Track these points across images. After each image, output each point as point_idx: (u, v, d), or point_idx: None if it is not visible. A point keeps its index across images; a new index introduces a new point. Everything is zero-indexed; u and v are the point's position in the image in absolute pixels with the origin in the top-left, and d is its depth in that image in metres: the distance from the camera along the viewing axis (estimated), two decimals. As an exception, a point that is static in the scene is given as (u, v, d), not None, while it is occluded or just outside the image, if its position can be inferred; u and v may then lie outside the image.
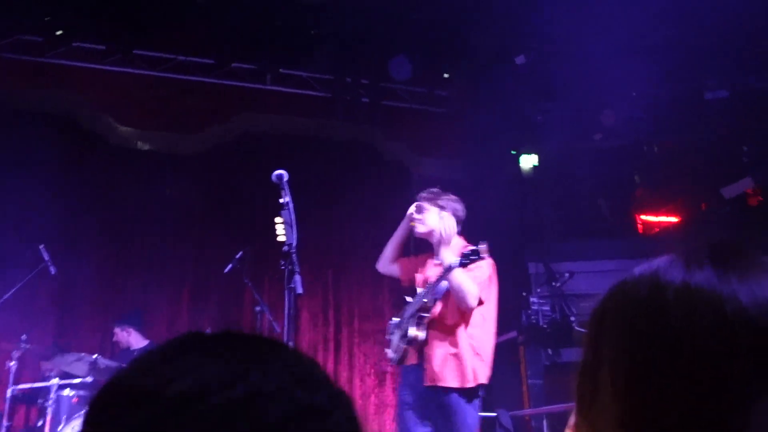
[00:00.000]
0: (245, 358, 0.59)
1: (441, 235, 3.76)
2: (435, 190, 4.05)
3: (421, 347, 3.78)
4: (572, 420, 0.94)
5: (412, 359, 3.83)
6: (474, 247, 3.59)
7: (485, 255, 3.59)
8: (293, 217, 2.89)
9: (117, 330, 5.86)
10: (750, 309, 0.67)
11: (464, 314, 3.75)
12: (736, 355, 0.66)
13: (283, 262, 2.77)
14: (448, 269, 3.61)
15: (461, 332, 3.75)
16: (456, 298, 3.69)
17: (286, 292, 2.73)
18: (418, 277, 4.04)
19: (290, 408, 0.56)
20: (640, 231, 7.31)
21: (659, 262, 0.76)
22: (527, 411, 5.95)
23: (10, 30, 6.46)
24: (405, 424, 3.79)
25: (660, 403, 0.68)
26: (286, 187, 2.99)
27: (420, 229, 3.97)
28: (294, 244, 2.81)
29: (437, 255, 3.82)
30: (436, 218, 3.92)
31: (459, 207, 4.01)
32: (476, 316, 3.80)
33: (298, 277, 2.73)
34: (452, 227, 3.81)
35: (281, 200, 2.94)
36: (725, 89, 6.17)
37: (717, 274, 0.71)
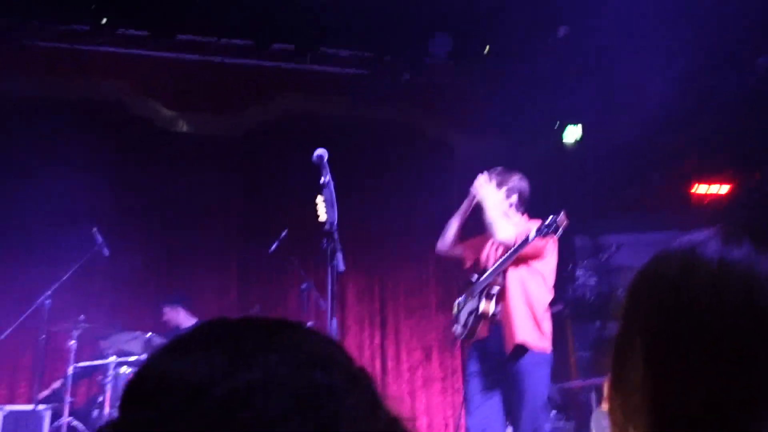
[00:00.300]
0: (255, 345, 0.57)
1: (492, 211, 3.93)
2: (499, 168, 4.16)
3: (492, 321, 3.89)
4: (607, 391, 0.95)
5: (482, 332, 3.94)
6: (553, 217, 3.65)
7: (563, 224, 3.64)
8: (334, 196, 2.93)
9: (166, 309, 6.03)
10: None
11: (529, 287, 3.89)
12: (766, 334, 0.64)
13: (324, 241, 2.82)
14: (525, 242, 3.71)
15: (527, 303, 3.87)
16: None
17: (328, 270, 2.79)
18: (483, 257, 4.14)
19: (301, 391, 0.54)
20: (693, 202, 7.15)
21: (697, 236, 0.74)
22: (575, 383, 5.94)
23: (56, 20, 6.63)
24: (473, 394, 3.88)
25: (688, 379, 0.67)
26: (326, 166, 3.03)
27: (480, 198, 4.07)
28: (335, 222, 2.85)
29: (491, 233, 3.96)
30: (494, 194, 4.04)
31: (524, 185, 4.13)
32: (541, 289, 3.94)
33: (339, 255, 2.78)
34: (502, 203, 3.97)
35: (321, 180, 2.99)
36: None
37: (754, 252, 0.68)
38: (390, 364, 6.97)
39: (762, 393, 0.64)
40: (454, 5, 6.77)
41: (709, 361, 0.66)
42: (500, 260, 3.88)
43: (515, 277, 3.91)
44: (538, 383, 3.77)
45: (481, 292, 3.93)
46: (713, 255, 0.69)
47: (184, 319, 5.99)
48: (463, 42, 7.13)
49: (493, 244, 4.08)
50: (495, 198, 4.04)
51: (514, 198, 4.09)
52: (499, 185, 4.08)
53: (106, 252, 5.56)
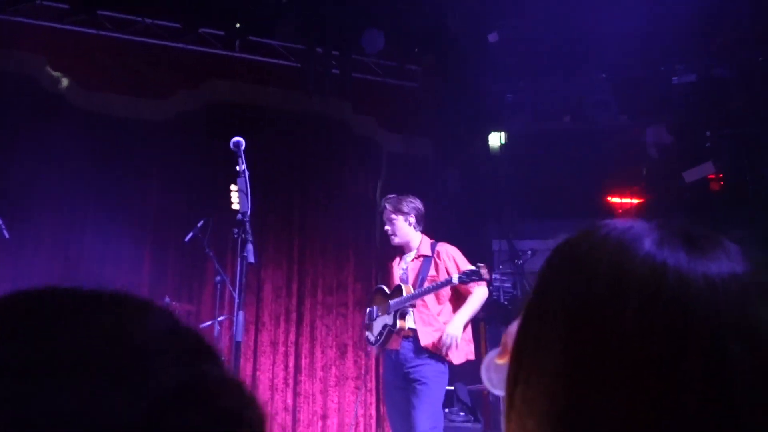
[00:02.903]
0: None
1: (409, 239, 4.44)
2: (392, 197, 4.52)
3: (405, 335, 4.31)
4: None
5: (394, 344, 4.32)
6: (474, 268, 4.12)
7: (486, 277, 4.13)
8: (248, 185, 2.85)
9: None
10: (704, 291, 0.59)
11: (444, 304, 4.36)
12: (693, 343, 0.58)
13: (236, 231, 2.74)
14: (447, 282, 4.19)
15: (440, 319, 4.32)
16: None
17: (238, 260, 2.70)
18: (394, 273, 4.57)
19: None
20: (605, 211, 7.38)
21: (631, 228, 0.66)
22: (485, 385, 6.02)
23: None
24: (392, 401, 4.33)
25: (607, 391, 0.59)
26: (243, 155, 2.94)
27: (396, 241, 4.48)
28: (248, 212, 2.77)
29: (407, 252, 4.51)
30: (404, 225, 4.43)
31: (419, 206, 4.50)
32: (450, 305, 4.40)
33: (250, 246, 2.70)
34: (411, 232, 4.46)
35: (237, 168, 2.90)
36: (693, 74, 6.21)
37: (688, 259, 0.62)
38: (304, 361, 6.88)
39: (684, 411, 0.57)
40: (387, 3, 6.77)
41: (631, 374, 0.59)
42: (417, 293, 4.28)
43: (431, 302, 4.33)
44: (437, 386, 4.18)
45: (396, 312, 4.31)
46: (651, 253, 0.62)
47: None
48: (395, 40, 7.14)
49: (404, 263, 4.52)
50: (403, 228, 4.45)
51: (412, 219, 4.45)
52: (401, 214, 4.43)
53: (5, 234, 5.25)
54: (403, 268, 4.52)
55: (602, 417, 0.59)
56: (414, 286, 4.36)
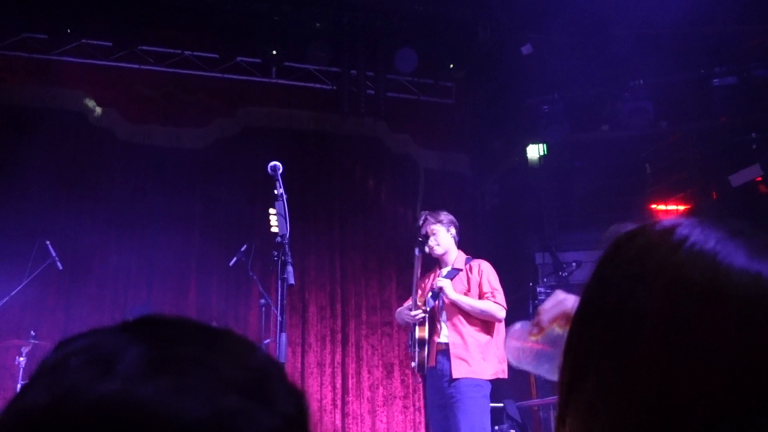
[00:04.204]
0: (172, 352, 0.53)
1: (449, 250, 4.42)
2: (427, 212, 4.50)
3: (437, 348, 4.27)
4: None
5: (431, 361, 4.27)
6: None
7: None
8: (286, 208, 2.89)
9: None
10: None
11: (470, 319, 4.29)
12: None
13: (275, 253, 2.78)
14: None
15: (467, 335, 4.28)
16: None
17: (278, 282, 2.74)
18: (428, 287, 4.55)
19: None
20: (657, 219, 7.23)
21: (688, 229, 0.65)
22: (534, 401, 5.93)
23: (17, 28, 6.51)
24: (435, 420, 4.26)
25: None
26: (280, 178, 2.99)
27: (439, 251, 4.41)
28: (287, 235, 2.81)
29: (443, 266, 4.45)
30: (447, 236, 4.41)
31: (455, 220, 4.49)
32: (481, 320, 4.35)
33: (290, 268, 2.74)
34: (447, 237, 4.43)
35: (275, 191, 2.95)
36: (733, 76, 6.08)
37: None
38: (351, 381, 6.89)
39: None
40: (419, 21, 6.83)
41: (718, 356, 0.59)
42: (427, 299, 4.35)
43: (456, 309, 4.26)
44: (474, 406, 4.08)
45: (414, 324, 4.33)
46: (741, 265, 0.62)
47: None
48: (428, 58, 7.18)
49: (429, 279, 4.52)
50: (445, 239, 4.41)
51: (453, 230, 4.45)
52: (443, 225, 4.41)
53: (59, 266, 5.43)
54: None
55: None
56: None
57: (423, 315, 4.29)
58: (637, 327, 0.62)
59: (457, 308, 4.25)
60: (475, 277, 4.31)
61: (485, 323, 4.27)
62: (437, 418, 4.23)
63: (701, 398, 0.59)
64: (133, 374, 0.50)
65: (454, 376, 4.11)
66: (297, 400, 0.56)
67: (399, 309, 4.54)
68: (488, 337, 4.27)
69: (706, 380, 0.59)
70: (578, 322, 0.68)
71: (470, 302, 4.21)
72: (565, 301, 1.32)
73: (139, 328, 0.56)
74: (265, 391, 0.53)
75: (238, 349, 0.56)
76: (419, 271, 4.34)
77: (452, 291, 4.23)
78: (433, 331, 4.32)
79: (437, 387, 4.22)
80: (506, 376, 4.25)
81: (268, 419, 0.51)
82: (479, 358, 4.17)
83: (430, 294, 4.39)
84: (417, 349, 4.34)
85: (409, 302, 4.43)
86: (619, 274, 0.66)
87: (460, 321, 4.23)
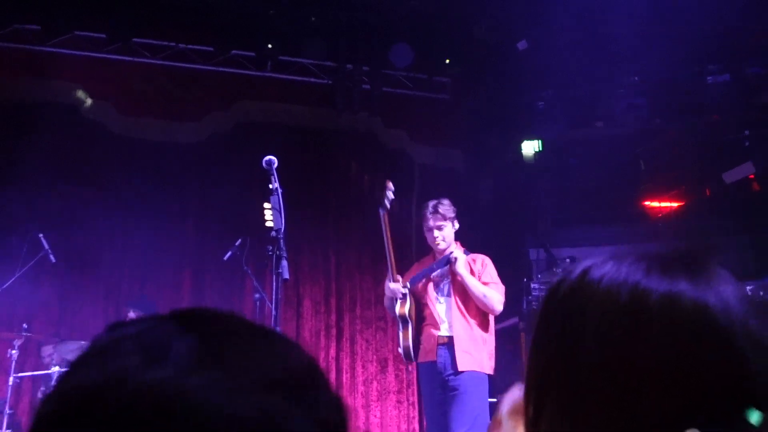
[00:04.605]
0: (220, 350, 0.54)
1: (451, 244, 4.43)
2: (438, 204, 4.45)
3: (434, 341, 4.24)
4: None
5: (430, 355, 4.23)
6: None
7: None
8: (281, 202, 2.89)
9: (131, 314, 5.83)
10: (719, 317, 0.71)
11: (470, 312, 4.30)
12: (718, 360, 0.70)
13: (270, 248, 2.78)
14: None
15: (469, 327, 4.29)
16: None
17: (273, 277, 2.74)
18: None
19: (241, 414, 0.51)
20: (645, 216, 7.27)
21: (618, 264, 0.78)
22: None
23: (8, 19, 6.46)
24: (432, 417, 4.25)
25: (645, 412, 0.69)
26: (275, 173, 2.99)
27: (443, 246, 4.41)
28: (282, 229, 2.81)
29: (440, 257, 4.40)
30: (452, 232, 4.43)
31: (455, 209, 4.50)
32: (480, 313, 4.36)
33: (285, 263, 2.74)
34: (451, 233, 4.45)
35: (270, 186, 2.95)
36: (727, 74, 6.10)
37: (694, 282, 0.73)
38: (345, 376, 6.89)
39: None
40: (415, 16, 6.81)
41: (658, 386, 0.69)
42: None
43: (458, 303, 4.26)
44: (477, 399, 4.09)
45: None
46: (660, 287, 0.73)
47: None
48: (423, 53, 7.17)
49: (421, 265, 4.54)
50: (450, 233, 4.42)
51: (456, 224, 4.47)
52: (449, 220, 4.41)
53: (52, 258, 5.41)
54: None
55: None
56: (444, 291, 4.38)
57: (405, 290, 4.29)
58: (579, 348, 0.74)
59: (459, 302, 4.24)
60: (477, 268, 4.33)
61: (483, 319, 4.28)
62: (435, 415, 4.20)
63: (644, 404, 0.69)
64: (183, 364, 0.50)
65: (460, 369, 4.09)
66: (337, 408, 0.57)
67: (386, 281, 4.53)
68: (487, 333, 4.29)
69: (645, 388, 0.69)
70: (533, 353, 0.80)
71: (476, 283, 4.20)
72: (519, 395, 1.36)
73: (189, 320, 0.57)
74: (307, 396, 0.54)
75: (284, 349, 0.57)
76: (388, 232, 4.32)
77: (463, 265, 4.21)
78: (432, 323, 4.29)
79: (437, 382, 4.18)
80: (492, 373, 4.28)
81: (308, 425, 0.52)
82: (483, 352, 4.19)
83: (436, 264, 4.37)
84: (400, 327, 4.33)
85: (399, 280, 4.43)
86: (558, 311, 0.79)
87: (463, 315, 4.22)
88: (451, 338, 4.19)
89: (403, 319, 4.28)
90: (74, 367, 0.54)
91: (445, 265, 4.30)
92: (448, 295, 4.31)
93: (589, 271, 0.78)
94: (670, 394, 0.69)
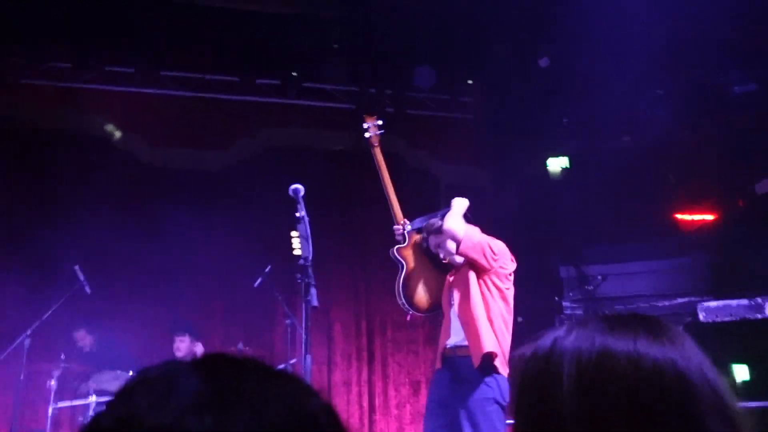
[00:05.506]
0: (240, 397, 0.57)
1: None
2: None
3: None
4: None
5: (437, 363, 4.09)
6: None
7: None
8: (309, 230, 2.91)
9: (180, 339, 5.87)
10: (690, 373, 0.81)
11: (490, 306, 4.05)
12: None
13: (299, 276, 2.80)
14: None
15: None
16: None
17: (302, 304, 2.76)
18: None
19: None
20: (677, 231, 7.15)
21: (581, 330, 0.87)
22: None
23: (40, 57, 6.66)
24: (426, 422, 3.99)
25: None
26: (302, 201, 3.02)
27: (458, 260, 4.29)
28: (309, 257, 2.83)
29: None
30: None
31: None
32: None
33: (313, 290, 2.76)
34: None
35: (297, 214, 2.97)
36: (753, 82, 6.02)
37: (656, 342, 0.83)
38: (378, 400, 6.87)
39: None
40: (436, 38, 6.85)
41: None
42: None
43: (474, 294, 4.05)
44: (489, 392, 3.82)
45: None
46: (646, 353, 0.82)
47: (198, 349, 5.89)
48: (446, 74, 7.21)
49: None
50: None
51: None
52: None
53: (88, 289, 5.51)
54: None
55: None
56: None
57: (402, 230, 4.30)
58: (557, 410, 0.81)
59: (460, 310, 4.06)
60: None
61: (493, 323, 4.03)
62: (436, 414, 3.96)
63: None
64: (186, 408, 0.53)
65: (462, 375, 3.88)
66: None
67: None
68: (495, 333, 3.99)
69: None
70: (517, 420, 0.88)
71: (457, 217, 4.09)
72: None
73: (206, 363, 0.60)
74: None
75: (293, 393, 0.58)
76: (384, 170, 4.37)
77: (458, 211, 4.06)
78: (444, 332, 4.13)
79: (447, 384, 3.97)
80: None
81: None
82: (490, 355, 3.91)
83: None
84: (400, 282, 4.19)
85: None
86: (535, 379, 0.86)
87: (464, 323, 4.02)
88: (454, 347, 4.01)
89: (399, 262, 4.23)
90: (100, 411, 0.58)
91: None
92: (452, 304, 4.17)
93: (557, 340, 0.87)
94: None
